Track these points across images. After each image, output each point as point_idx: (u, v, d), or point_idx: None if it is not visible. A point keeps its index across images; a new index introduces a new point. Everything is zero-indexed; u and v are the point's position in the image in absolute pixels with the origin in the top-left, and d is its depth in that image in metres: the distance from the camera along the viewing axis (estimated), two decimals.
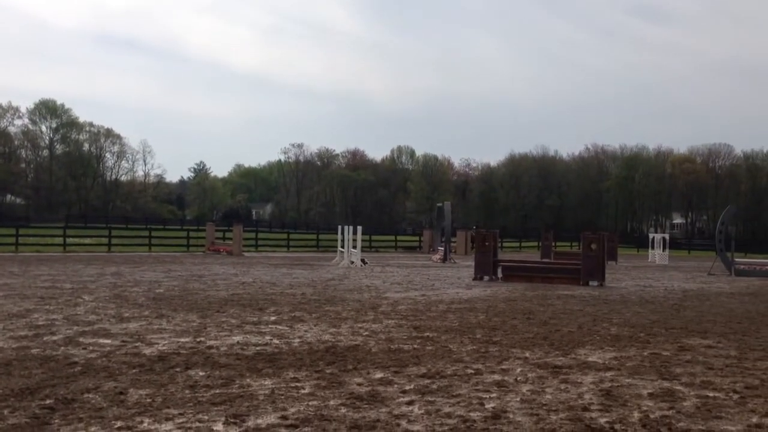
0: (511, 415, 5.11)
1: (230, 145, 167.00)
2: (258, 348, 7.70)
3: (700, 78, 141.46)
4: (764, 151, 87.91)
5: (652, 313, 12.02)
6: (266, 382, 6.02)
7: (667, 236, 40.25)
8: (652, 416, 5.16)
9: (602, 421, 5.01)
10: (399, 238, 52.76)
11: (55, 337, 8.10)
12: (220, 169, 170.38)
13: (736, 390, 6.12)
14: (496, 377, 6.44)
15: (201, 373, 6.32)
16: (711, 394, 5.93)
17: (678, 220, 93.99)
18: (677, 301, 14.57)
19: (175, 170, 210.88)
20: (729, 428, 4.91)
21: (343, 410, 5.16)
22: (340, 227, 27.39)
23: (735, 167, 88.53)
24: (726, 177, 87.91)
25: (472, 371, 6.69)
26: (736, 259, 26.22)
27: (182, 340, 8.14)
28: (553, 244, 39.06)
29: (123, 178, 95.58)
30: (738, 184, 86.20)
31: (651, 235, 41.28)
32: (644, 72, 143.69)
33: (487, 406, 5.35)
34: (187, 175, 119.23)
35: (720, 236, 25.96)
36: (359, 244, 25.89)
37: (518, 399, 5.62)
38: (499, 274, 19.57)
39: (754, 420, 5.13)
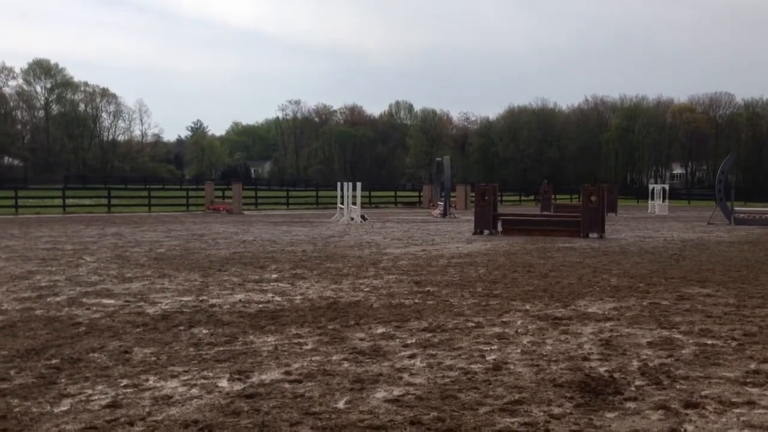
0: (511, 366, 5.18)
1: (227, 102, 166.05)
2: (260, 305, 7.76)
3: (700, 25, 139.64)
4: (764, 99, 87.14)
5: (651, 264, 12.08)
6: (269, 339, 6.08)
7: (666, 187, 40.24)
8: (651, 364, 5.23)
9: (602, 370, 5.07)
10: (398, 193, 52.78)
11: (58, 298, 8.15)
12: (217, 128, 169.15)
13: (734, 337, 6.18)
14: (497, 330, 6.50)
15: (204, 331, 6.37)
16: (709, 342, 5.99)
17: (678, 170, 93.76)
18: (676, 251, 14.63)
19: (173, 129, 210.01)
20: (727, 374, 4.97)
21: (346, 365, 5.22)
22: (339, 184, 27.35)
23: (736, 116, 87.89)
24: (726, 126, 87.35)
25: (473, 324, 6.75)
26: (736, 208, 26.26)
27: (185, 299, 8.19)
28: (554, 196, 39.07)
29: (120, 138, 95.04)
30: (738, 132, 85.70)
31: (651, 186, 41.25)
32: (643, 21, 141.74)
33: (488, 358, 5.41)
34: (184, 134, 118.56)
35: (720, 185, 25.95)
36: (359, 200, 25.90)
37: (519, 350, 5.68)
38: (499, 228, 19.61)
39: (752, 366, 5.20)
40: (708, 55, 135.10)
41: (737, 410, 4.20)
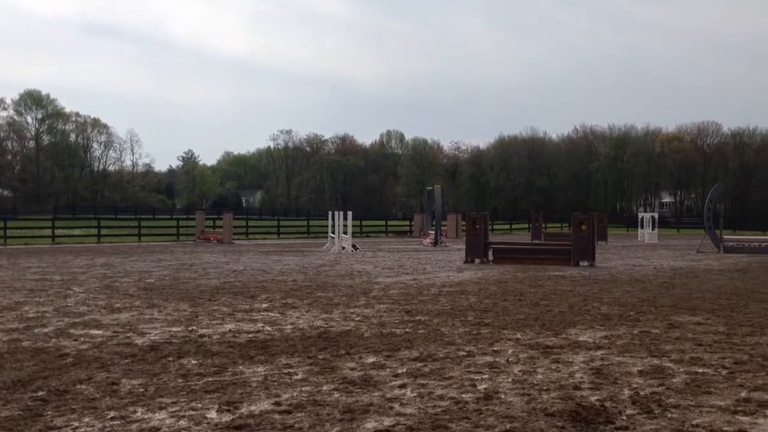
0: (503, 396, 5.15)
1: (219, 132, 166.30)
2: (250, 335, 7.71)
3: (686, 56, 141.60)
4: (751, 128, 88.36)
5: (641, 292, 12.10)
6: (259, 369, 6.03)
7: (656, 215, 40.50)
8: (642, 393, 5.21)
9: (593, 399, 5.06)
10: (389, 222, 52.82)
11: (45, 329, 8.08)
12: (209, 157, 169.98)
13: (725, 365, 6.18)
14: (488, 359, 6.48)
15: (193, 362, 6.32)
16: (700, 370, 5.99)
17: (667, 198, 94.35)
18: (666, 279, 14.67)
19: (164, 159, 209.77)
20: (718, 403, 4.96)
21: (336, 395, 5.18)
22: (330, 213, 27.38)
23: (723, 145, 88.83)
24: (714, 155, 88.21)
25: (464, 353, 6.72)
26: (725, 236, 26.41)
27: (174, 329, 8.13)
28: (544, 225, 39.22)
29: (111, 168, 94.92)
30: (726, 161, 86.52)
31: (640, 215, 41.48)
32: (631, 51, 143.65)
33: (479, 388, 5.38)
34: (175, 163, 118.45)
35: (708, 214, 26.13)
36: (350, 229, 25.90)
37: (510, 380, 5.66)
38: (490, 257, 19.63)
39: (743, 395, 5.19)
40: (695, 85, 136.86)
41: None
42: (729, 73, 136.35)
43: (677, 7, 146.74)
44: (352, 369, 6.04)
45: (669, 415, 4.66)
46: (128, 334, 7.76)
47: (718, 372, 5.94)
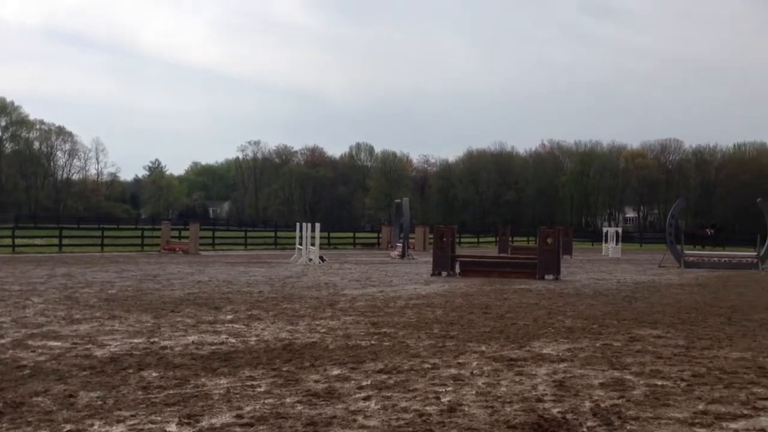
0: (466, 408, 5.17)
1: (187, 142, 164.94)
2: (213, 347, 7.63)
3: (650, 74, 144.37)
4: (711, 145, 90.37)
5: (604, 305, 12.25)
6: (221, 382, 5.97)
7: (620, 230, 41.09)
8: (602, 405, 5.27)
9: (555, 411, 5.10)
10: (357, 234, 52.80)
11: (2, 340, 7.89)
12: (176, 167, 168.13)
13: (683, 378, 6.28)
14: (453, 371, 6.49)
15: (154, 374, 6.23)
16: (659, 383, 6.08)
17: (631, 213, 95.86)
18: (629, 293, 14.88)
19: (130, 168, 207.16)
20: (676, 415, 5.04)
21: (300, 407, 5.15)
22: (298, 225, 27.27)
23: (684, 162, 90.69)
24: (676, 171, 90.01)
25: (429, 366, 6.73)
26: (686, 251, 26.89)
27: (135, 341, 8.01)
28: (511, 239, 39.54)
29: (75, 177, 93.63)
30: (687, 178, 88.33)
31: (605, 229, 42.06)
32: (598, 69, 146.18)
33: (443, 400, 5.39)
34: (141, 173, 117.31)
35: (670, 229, 26.59)
36: (317, 241, 25.83)
37: (474, 392, 5.68)
38: (457, 270, 19.72)
39: (701, 407, 5.28)
40: (658, 102, 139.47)
41: None
42: (691, 91, 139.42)
43: (640, 27, 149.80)
44: (316, 381, 6.01)
45: (628, 427, 4.71)
46: (87, 346, 7.62)
47: (677, 384, 6.03)
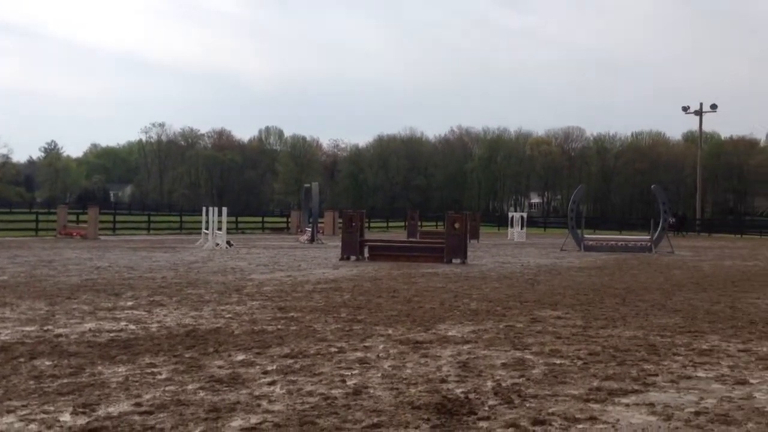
0: (371, 391, 5.19)
1: (86, 124, 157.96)
2: (112, 334, 7.35)
3: (556, 64, 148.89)
4: (611, 134, 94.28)
5: (508, 288, 12.60)
6: (120, 370, 5.76)
7: (525, 215, 42.26)
8: (504, 384, 5.41)
9: (458, 391, 5.19)
10: (266, 219, 52.09)
11: None
12: (74, 149, 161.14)
13: (580, 357, 6.53)
14: (359, 354, 6.51)
15: (47, 363, 5.95)
16: (558, 362, 6.30)
17: (535, 199, 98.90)
18: (532, 276, 15.35)
19: (24, 150, 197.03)
20: (572, 392, 5.23)
21: (202, 394, 5.04)
22: (204, 209, 26.64)
23: (586, 149, 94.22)
24: (578, 158, 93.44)
25: (336, 349, 6.73)
26: (586, 236, 27.99)
27: (27, 328, 7.62)
28: (419, 223, 40.02)
29: None
30: (589, 165, 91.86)
31: (510, 214, 43.17)
32: (505, 57, 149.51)
33: (348, 383, 5.40)
34: (37, 155, 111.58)
35: (572, 214, 27.61)
36: (224, 225, 25.33)
37: (379, 375, 5.71)
38: (366, 254, 19.80)
39: (595, 384, 5.50)
40: (563, 91, 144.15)
41: (580, 426, 4.42)
42: (593, 81, 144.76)
43: (548, 18, 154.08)
44: (220, 367, 5.90)
45: (527, 405, 4.86)
46: None
47: (574, 363, 6.27)
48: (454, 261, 18.80)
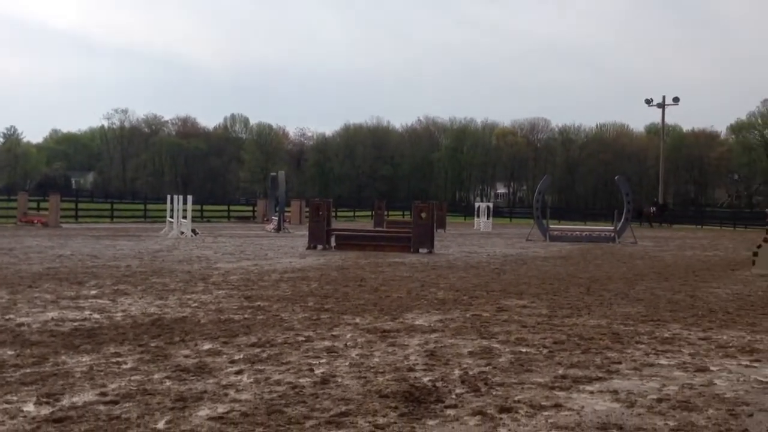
0: (339, 379, 5.20)
1: (46, 109, 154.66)
2: (75, 324, 7.24)
3: (522, 55, 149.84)
4: (576, 125, 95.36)
5: (475, 278, 12.69)
6: (84, 359, 5.68)
7: (491, 205, 42.61)
8: (470, 373, 5.46)
9: (426, 379, 5.23)
10: (232, 208, 51.68)
11: None
12: (34, 135, 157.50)
13: (545, 345, 6.62)
14: (327, 343, 6.51)
15: (9, 353, 5.84)
16: (524, 350, 6.38)
17: (501, 189, 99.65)
18: (498, 265, 15.49)
19: None
20: (538, 380, 5.30)
21: (168, 383, 4.99)
22: (169, 197, 26.34)
23: (552, 140, 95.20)
24: (544, 149, 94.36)
25: (303, 338, 6.72)
26: (551, 226, 28.32)
27: None
28: (386, 213, 40.08)
29: None
30: (554, 156, 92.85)
31: (477, 204, 43.47)
32: (471, 47, 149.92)
33: (316, 372, 5.40)
34: None
35: (537, 204, 27.91)
36: (189, 214, 25.07)
37: (347, 363, 5.72)
38: (333, 243, 19.77)
39: (560, 372, 5.58)
40: (530, 82, 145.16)
41: (546, 413, 4.48)
42: (559, 73, 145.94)
43: (515, 10, 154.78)
44: (186, 356, 5.85)
45: (494, 393, 4.92)
46: None
47: (540, 351, 6.35)
48: (420, 250, 18.87)
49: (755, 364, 6.00)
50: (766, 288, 11.92)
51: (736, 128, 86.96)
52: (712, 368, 5.82)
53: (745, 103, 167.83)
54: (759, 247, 14.87)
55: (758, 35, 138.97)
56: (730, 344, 6.86)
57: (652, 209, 52.29)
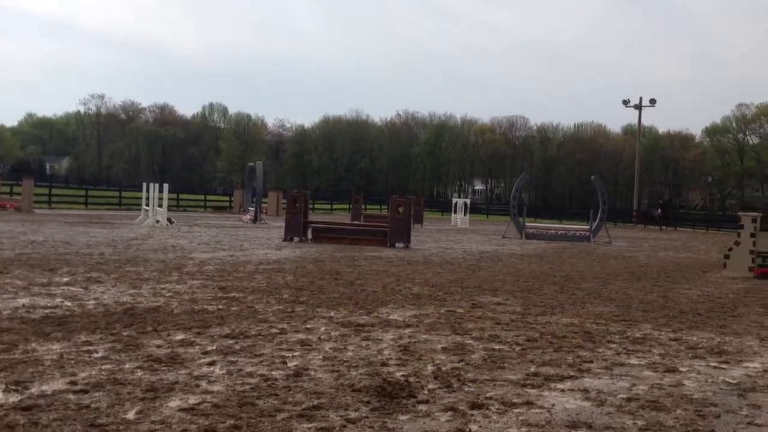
0: (312, 373, 5.20)
1: (21, 92, 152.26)
2: (47, 311, 7.16)
3: (502, 53, 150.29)
4: (554, 124, 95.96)
5: (450, 273, 12.74)
6: (54, 347, 5.62)
7: (468, 201, 42.74)
8: (444, 368, 5.49)
9: (398, 374, 5.24)
10: (209, 197, 51.28)
11: None
12: (8, 118, 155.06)
13: (518, 342, 6.67)
14: (301, 336, 6.50)
15: None
16: (497, 347, 6.42)
17: (479, 186, 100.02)
18: (474, 262, 15.56)
19: None
20: (510, 377, 5.34)
21: (140, 373, 4.95)
22: (145, 185, 26.07)
23: (530, 138, 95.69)
24: (522, 147, 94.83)
25: (277, 331, 6.70)
26: (527, 224, 28.48)
27: None
28: (364, 206, 40.06)
29: None
30: (532, 154, 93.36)
31: (454, 200, 43.56)
32: (453, 44, 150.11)
33: (289, 365, 5.39)
34: None
35: (514, 202, 28.04)
36: (165, 202, 24.84)
37: (321, 357, 5.72)
38: (309, 236, 19.72)
39: (532, 369, 5.63)
40: (509, 80, 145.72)
41: (517, 410, 4.52)
42: (538, 71, 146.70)
43: (496, 7, 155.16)
44: (158, 346, 5.81)
45: (466, 389, 4.94)
46: None
47: (513, 349, 6.39)
48: (397, 245, 18.89)
49: (723, 366, 6.10)
50: (737, 291, 12.11)
51: (711, 131, 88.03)
52: (681, 369, 5.90)
53: (721, 107, 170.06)
54: (730, 250, 15.10)
55: (736, 40, 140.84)
56: (700, 345, 6.96)
57: (658, 211, 52.44)
